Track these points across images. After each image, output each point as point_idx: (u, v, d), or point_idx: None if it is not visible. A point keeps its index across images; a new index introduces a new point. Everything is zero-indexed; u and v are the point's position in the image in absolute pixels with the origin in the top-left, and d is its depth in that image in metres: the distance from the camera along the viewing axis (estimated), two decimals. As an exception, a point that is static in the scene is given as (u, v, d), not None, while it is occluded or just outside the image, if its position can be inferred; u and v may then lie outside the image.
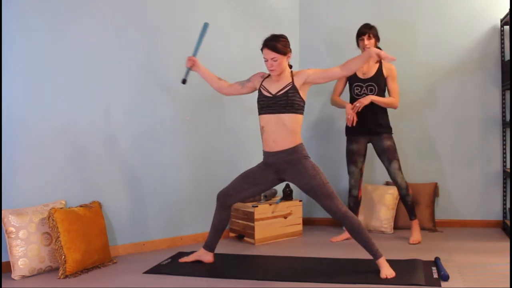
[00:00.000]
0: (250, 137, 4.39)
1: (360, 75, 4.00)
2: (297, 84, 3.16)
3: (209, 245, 3.44)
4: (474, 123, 4.54)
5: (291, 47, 3.22)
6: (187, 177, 4.07)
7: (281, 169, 3.22)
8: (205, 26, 3.42)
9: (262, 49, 3.16)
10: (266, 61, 3.15)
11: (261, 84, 3.26)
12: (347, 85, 4.15)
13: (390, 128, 4.02)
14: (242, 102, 4.37)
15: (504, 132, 4.43)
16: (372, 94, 3.93)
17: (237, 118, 4.39)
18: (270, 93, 3.19)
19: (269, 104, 3.16)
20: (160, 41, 3.91)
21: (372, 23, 4.20)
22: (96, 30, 3.60)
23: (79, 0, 3.53)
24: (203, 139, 4.18)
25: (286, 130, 3.14)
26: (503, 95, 4.44)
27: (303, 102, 3.20)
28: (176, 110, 4.01)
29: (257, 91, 3.32)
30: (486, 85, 4.51)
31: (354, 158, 4.09)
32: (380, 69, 3.96)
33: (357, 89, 3.99)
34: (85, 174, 3.57)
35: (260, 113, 3.23)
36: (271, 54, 3.11)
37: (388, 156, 3.96)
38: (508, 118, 4.42)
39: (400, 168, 3.97)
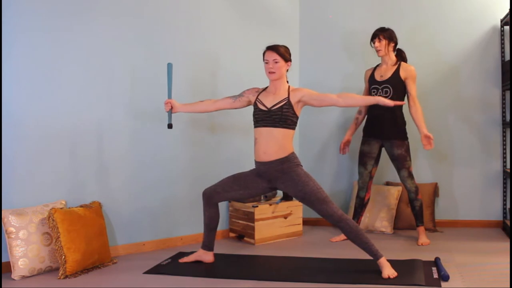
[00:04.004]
0: (251, 138, 4.39)
1: (378, 78, 3.99)
2: (293, 100, 3.20)
3: (206, 245, 3.44)
4: (474, 123, 4.54)
5: (291, 54, 3.30)
6: (187, 177, 4.07)
7: (273, 178, 3.24)
8: (169, 66, 3.47)
9: (264, 53, 3.27)
10: (266, 63, 3.23)
11: (256, 98, 3.30)
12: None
13: (405, 135, 3.98)
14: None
15: (504, 132, 4.44)
16: (387, 96, 3.90)
17: (238, 119, 4.39)
18: (265, 106, 3.23)
19: (264, 118, 3.21)
20: (162, 40, 3.91)
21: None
22: (96, 30, 3.60)
23: (79, 1, 3.53)
24: (203, 139, 4.18)
25: (277, 143, 3.18)
26: (503, 95, 4.44)
27: (297, 118, 3.24)
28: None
29: (250, 106, 3.39)
30: (486, 85, 4.51)
31: (364, 160, 4.08)
32: (396, 72, 3.92)
33: (373, 92, 3.99)
34: (85, 174, 3.57)
35: (255, 126, 3.27)
36: (273, 56, 3.19)
37: (398, 164, 3.96)
38: (508, 118, 4.42)
39: (409, 175, 3.95)
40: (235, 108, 3.45)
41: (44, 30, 3.39)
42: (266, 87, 3.34)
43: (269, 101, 3.24)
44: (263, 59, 3.26)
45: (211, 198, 3.37)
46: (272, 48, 3.22)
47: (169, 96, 3.47)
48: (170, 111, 3.44)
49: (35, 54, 3.36)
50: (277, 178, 3.23)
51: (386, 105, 3.14)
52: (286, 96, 3.21)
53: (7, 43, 3.24)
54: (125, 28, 3.73)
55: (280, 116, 3.16)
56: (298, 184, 3.16)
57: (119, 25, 3.71)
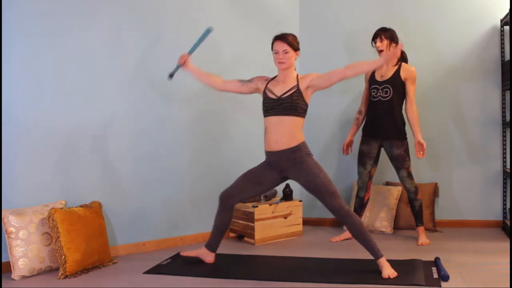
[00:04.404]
0: (252, 137, 4.39)
1: (378, 78, 3.99)
2: (302, 87, 3.17)
3: (211, 245, 3.44)
4: (474, 123, 4.54)
5: (299, 42, 3.26)
6: (187, 177, 4.07)
7: (284, 168, 3.21)
8: (208, 30, 3.39)
9: (273, 43, 3.22)
10: (276, 53, 3.19)
11: (265, 86, 3.27)
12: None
13: (404, 135, 3.98)
14: (245, 101, 4.38)
15: (504, 132, 4.44)
16: (387, 96, 3.93)
17: (239, 118, 4.39)
18: (275, 95, 3.20)
19: (273, 106, 3.17)
20: (162, 40, 3.91)
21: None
22: (96, 30, 3.60)
23: (78, 1, 3.53)
24: (203, 139, 4.18)
25: (288, 131, 3.15)
26: (503, 95, 4.44)
27: (306, 105, 3.21)
28: (176, 110, 4.01)
29: (256, 93, 3.36)
30: (486, 85, 4.51)
31: (363, 160, 4.08)
32: (397, 72, 3.92)
33: (373, 91, 4.00)
34: (85, 174, 3.57)
35: (265, 115, 3.24)
36: (283, 46, 3.16)
37: (397, 164, 3.96)
38: (508, 118, 4.42)
39: (409, 175, 3.95)
40: (241, 93, 3.39)
41: (44, 30, 3.39)
42: (275, 76, 3.30)
43: (278, 90, 3.20)
44: (272, 49, 3.22)
45: (227, 201, 3.34)
46: (281, 38, 3.18)
47: (190, 53, 3.39)
48: (181, 65, 3.38)
49: (35, 54, 3.36)
50: (288, 168, 3.20)
51: (393, 56, 3.04)
52: (295, 83, 3.18)
53: (7, 43, 3.24)
54: (125, 28, 3.73)
55: (291, 104, 3.13)
56: (309, 175, 3.14)
57: (120, 25, 3.71)
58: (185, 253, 3.49)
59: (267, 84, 3.28)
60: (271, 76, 3.36)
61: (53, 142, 3.43)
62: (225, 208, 3.36)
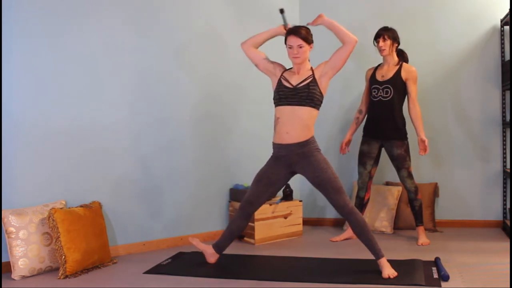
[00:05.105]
0: (252, 137, 4.39)
1: (379, 78, 3.99)
2: (317, 77, 3.16)
3: (220, 247, 3.42)
4: (474, 123, 4.54)
5: (312, 34, 3.24)
6: (187, 177, 4.07)
7: (293, 162, 3.19)
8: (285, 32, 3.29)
9: (286, 37, 3.18)
10: (290, 48, 3.16)
11: (281, 74, 3.24)
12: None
13: (405, 135, 3.98)
14: (245, 101, 4.38)
15: (504, 132, 4.44)
16: (388, 96, 3.93)
17: (239, 119, 4.39)
18: (291, 84, 3.16)
19: (289, 96, 3.14)
20: (162, 40, 3.91)
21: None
22: (95, 30, 3.60)
23: (78, 1, 3.53)
24: (203, 139, 4.17)
25: (301, 123, 3.12)
26: (503, 95, 4.44)
27: (322, 97, 3.18)
28: (177, 110, 4.01)
29: (265, 74, 3.33)
30: (486, 85, 4.51)
31: (363, 160, 4.08)
32: (398, 72, 3.93)
33: (374, 91, 4.00)
34: (85, 174, 3.57)
35: (277, 104, 3.19)
36: (297, 41, 3.13)
37: (398, 164, 3.96)
38: (508, 118, 4.42)
39: (409, 175, 3.95)
40: (256, 65, 3.32)
41: (44, 30, 3.39)
42: (290, 68, 3.28)
43: (294, 80, 3.18)
44: (285, 43, 3.19)
45: (249, 209, 3.32)
46: (295, 33, 3.14)
47: (285, 26, 3.29)
48: (285, 18, 3.30)
49: (35, 54, 3.36)
50: (296, 162, 3.18)
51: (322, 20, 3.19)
52: (311, 73, 3.17)
53: (7, 43, 3.24)
54: (125, 28, 3.73)
55: (307, 94, 3.10)
56: (316, 170, 3.13)
57: (120, 25, 3.71)
58: (194, 241, 3.45)
59: (282, 72, 3.25)
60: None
61: (53, 142, 3.43)
62: (244, 215, 3.33)
